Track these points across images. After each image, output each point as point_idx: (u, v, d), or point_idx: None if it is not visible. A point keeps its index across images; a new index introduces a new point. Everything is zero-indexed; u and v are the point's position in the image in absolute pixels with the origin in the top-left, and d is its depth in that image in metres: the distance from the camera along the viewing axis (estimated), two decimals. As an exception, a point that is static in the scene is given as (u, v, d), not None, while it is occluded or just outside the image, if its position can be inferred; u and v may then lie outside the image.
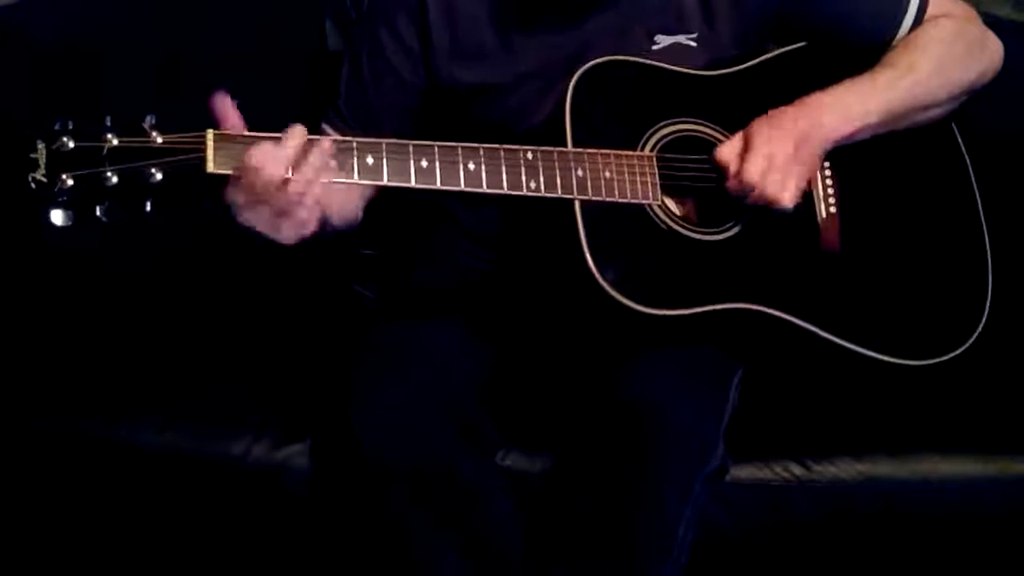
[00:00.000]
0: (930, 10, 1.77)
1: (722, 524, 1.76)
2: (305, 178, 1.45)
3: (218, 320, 2.02)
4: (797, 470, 1.78)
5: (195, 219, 1.90)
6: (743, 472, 1.76)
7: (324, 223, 1.56)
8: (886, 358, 1.71)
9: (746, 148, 1.65)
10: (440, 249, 1.87)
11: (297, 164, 1.44)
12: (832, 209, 1.75)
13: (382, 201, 1.77)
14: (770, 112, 1.69)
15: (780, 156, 1.64)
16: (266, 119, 1.49)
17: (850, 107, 1.70)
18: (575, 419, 1.67)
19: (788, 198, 1.66)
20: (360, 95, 1.78)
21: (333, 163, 1.49)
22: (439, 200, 1.80)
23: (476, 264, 1.83)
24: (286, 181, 1.44)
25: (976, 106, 1.84)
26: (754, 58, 1.79)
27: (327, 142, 1.48)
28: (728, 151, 1.66)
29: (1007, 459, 1.82)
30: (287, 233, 1.48)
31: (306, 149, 1.45)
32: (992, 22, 1.86)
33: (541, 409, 1.78)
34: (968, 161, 1.86)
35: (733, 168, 1.65)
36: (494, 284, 1.79)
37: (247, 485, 1.78)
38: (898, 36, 1.77)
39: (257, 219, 1.46)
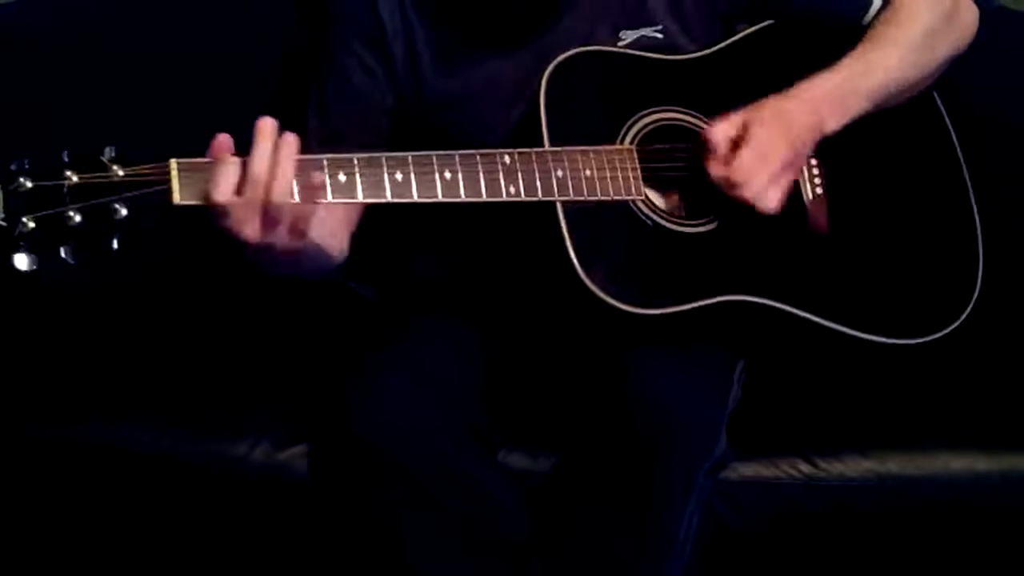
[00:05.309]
0: None
1: (729, 522, 1.73)
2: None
3: (216, 323, 1.99)
4: (804, 467, 1.76)
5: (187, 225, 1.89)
6: (750, 470, 1.74)
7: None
8: (879, 339, 1.68)
9: (741, 138, 1.58)
10: (438, 245, 1.82)
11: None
12: (819, 191, 1.71)
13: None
14: (769, 103, 1.61)
15: (774, 159, 1.58)
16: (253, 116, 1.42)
17: (849, 99, 1.65)
18: (577, 415, 1.63)
19: (772, 205, 1.59)
20: (327, 125, 1.73)
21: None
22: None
23: (472, 263, 1.79)
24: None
25: (980, 96, 1.84)
26: (724, 39, 1.75)
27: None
28: (720, 134, 1.58)
29: (1017, 454, 1.79)
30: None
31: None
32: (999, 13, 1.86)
33: (543, 408, 1.74)
34: (952, 132, 1.82)
35: (722, 153, 1.57)
36: (489, 283, 1.75)
37: (248, 487, 1.76)
38: (871, 11, 1.73)
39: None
